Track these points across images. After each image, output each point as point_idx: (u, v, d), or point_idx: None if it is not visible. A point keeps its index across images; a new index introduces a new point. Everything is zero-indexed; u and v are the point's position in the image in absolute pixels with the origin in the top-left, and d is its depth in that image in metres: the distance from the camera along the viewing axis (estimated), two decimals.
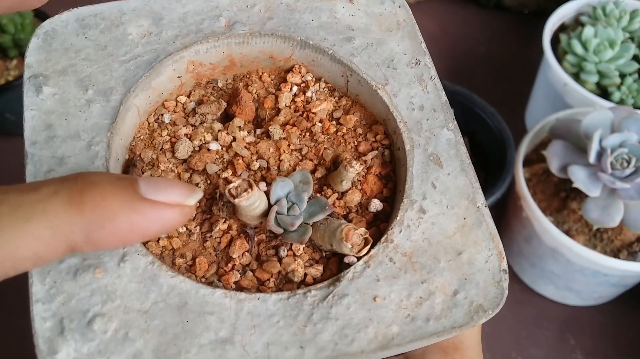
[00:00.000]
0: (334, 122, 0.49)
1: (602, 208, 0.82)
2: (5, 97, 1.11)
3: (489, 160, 1.10)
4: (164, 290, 0.39)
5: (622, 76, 1.03)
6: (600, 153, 0.82)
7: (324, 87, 0.50)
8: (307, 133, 0.48)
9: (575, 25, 1.15)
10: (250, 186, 0.40)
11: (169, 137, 0.47)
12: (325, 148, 0.47)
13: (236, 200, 0.39)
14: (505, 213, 1.07)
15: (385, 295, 0.40)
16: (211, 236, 0.44)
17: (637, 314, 1.03)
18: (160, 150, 0.47)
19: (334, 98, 0.50)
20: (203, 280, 0.42)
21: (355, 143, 0.48)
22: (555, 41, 1.12)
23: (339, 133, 0.48)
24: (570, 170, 0.82)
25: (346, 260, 0.42)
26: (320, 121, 0.48)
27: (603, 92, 1.05)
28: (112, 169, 0.43)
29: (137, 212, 0.33)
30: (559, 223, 0.90)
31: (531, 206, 0.89)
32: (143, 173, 0.45)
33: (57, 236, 0.32)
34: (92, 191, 0.32)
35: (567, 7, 1.14)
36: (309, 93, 0.49)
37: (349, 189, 0.46)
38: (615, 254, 0.89)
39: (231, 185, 0.39)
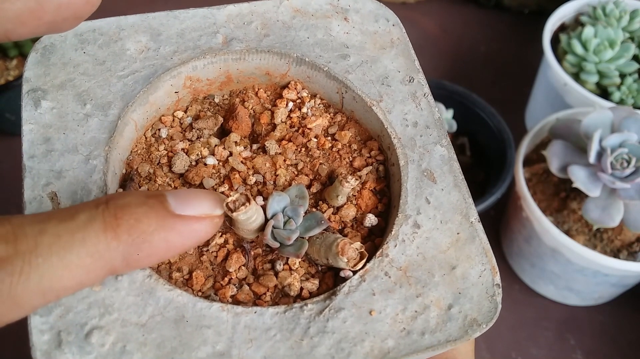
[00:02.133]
0: (329, 138, 0.49)
1: (602, 208, 0.82)
2: (6, 96, 1.10)
3: (489, 160, 1.09)
4: (161, 304, 0.39)
5: (622, 76, 1.03)
6: (600, 153, 0.81)
7: (319, 104, 0.51)
8: (303, 149, 0.49)
9: (575, 25, 1.14)
10: (248, 200, 0.40)
11: (166, 152, 0.48)
12: (320, 164, 0.48)
13: (234, 214, 0.40)
14: (505, 213, 1.07)
15: (381, 309, 0.40)
16: (207, 250, 0.44)
17: (637, 314, 1.03)
18: (158, 164, 0.47)
19: (329, 114, 0.51)
20: (200, 293, 0.42)
21: (350, 158, 0.49)
22: (555, 41, 1.12)
23: (334, 149, 0.49)
24: (570, 170, 0.82)
25: (342, 274, 0.42)
26: (316, 137, 0.49)
27: (603, 92, 1.05)
28: (110, 183, 0.44)
29: (171, 230, 0.34)
30: (559, 223, 0.90)
31: (531, 206, 0.89)
32: (140, 187, 0.46)
33: (98, 263, 0.33)
34: (125, 215, 0.33)
35: (567, 7, 1.14)
36: (304, 109, 0.50)
37: (344, 204, 0.46)
38: (615, 254, 0.89)
39: (229, 199, 0.40)
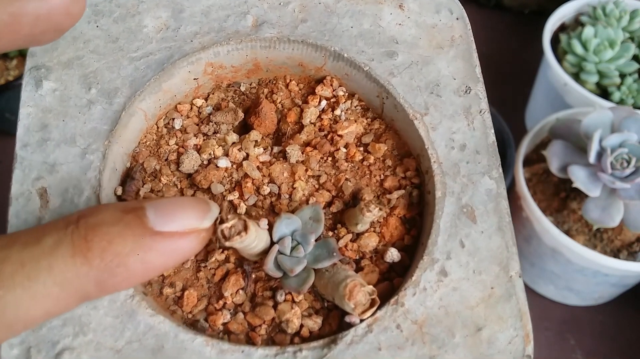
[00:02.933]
0: (361, 149, 0.43)
1: (602, 208, 0.82)
2: (5, 96, 1.10)
3: None
4: (140, 329, 0.35)
5: (622, 76, 1.03)
6: (600, 153, 0.81)
7: (357, 106, 0.44)
8: (329, 159, 0.42)
9: (575, 25, 1.14)
10: (246, 228, 0.35)
11: (177, 147, 0.43)
12: (346, 179, 0.42)
13: (227, 243, 0.35)
14: None
15: None
16: (206, 266, 0.40)
17: (637, 314, 1.04)
18: (165, 160, 0.42)
19: (366, 119, 0.44)
20: (189, 316, 0.38)
21: (382, 177, 0.42)
22: (555, 41, 1.11)
23: (364, 163, 0.42)
24: (570, 170, 0.82)
25: (347, 319, 0.37)
26: (346, 146, 0.43)
27: (603, 92, 1.05)
28: (107, 180, 0.39)
29: (149, 250, 0.30)
30: (558, 223, 0.90)
31: (531, 206, 0.89)
32: (144, 184, 0.41)
33: (67, 292, 0.30)
34: (97, 236, 0.29)
35: (567, 7, 1.13)
36: (337, 111, 0.44)
37: (366, 231, 0.40)
38: (615, 254, 0.89)
39: (224, 225, 0.35)
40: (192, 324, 0.38)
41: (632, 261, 0.87)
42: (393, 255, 0.39)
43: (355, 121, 0.43)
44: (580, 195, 0.89)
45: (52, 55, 0.42)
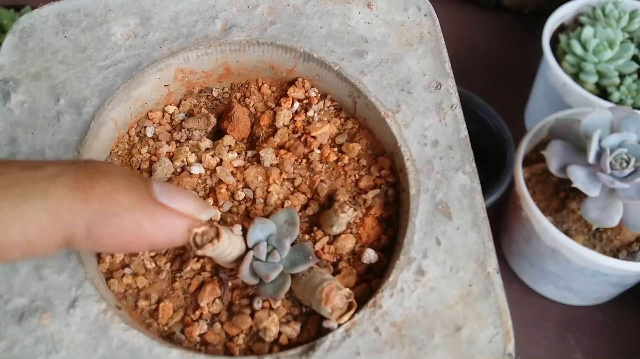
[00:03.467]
0: (336, 149, 0.42)
1: (601, 208, 0.81)
2: None
3: (489, 160, 1.09)
4: (114, 345, 0.35)
5: (622, 76, 1.02)
6: (600, 153, 0.80)
7: (330, 106, 0.44)
8: (303, 161, 0.42)
9: (574, 25, 1.13)
10: (218, 235, 0.34)
11: (149, 155, 0.42)
12: (321, 181, 0.41)
13: (199, 251, 0.34)
14: (504, 214, 1.06)
15: None
16: (181, 276, 0.39)
17: (636, 314, 1.03)
18: (138, 169, 0.42)
19: (340, 119, 0.43)
20: (165, 328, 0.38)
21: (357, 176, 0.41)
22: (554, 41, 1.10)
23: (339, 163, 0.42)
24: (570, 170, 0.81)
25: (325, 324, 0.36)
26: (320, 147, 0.42)
27: (602, 92, 1.03)
28: None
29: (147, 214, 0.29)
30: (558, 223, 0.89)
31: (530, 206, 0.88)
32: None
33: (55, 223, 0.27)
34: (103, 179, 0.28)
35: (567, 7, 1.12)
36: (310, 113, 0.43)
37: (342, 232, 0.40)
38: (615, 254, 0.88)
39: (195, 230, 0.34)
40: (168, 337, 0.37)
41: (631, 261, 0.86)
42: (370, 256, 0.39)
43: (329, 122, 0.43)
44: (579, 195, 0.88)
45: (20, 67, 0.41)
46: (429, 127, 0.40)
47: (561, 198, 0.91)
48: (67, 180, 0.27)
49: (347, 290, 0.36)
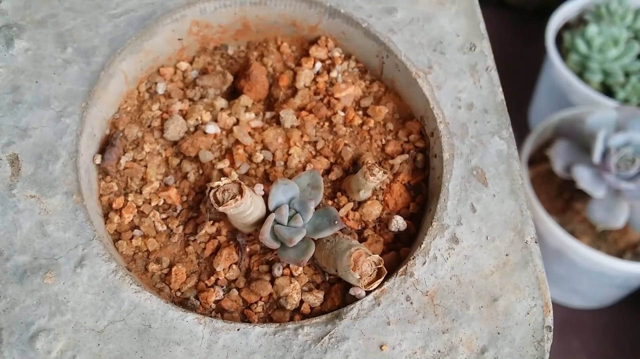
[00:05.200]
0: (360, 113, 0.40)
1: (606, 209, 0.81)
2: None
3: None
4: (124, 307, 0.32)
5: (627, 75, 1.01)
6: (605, 153, 0.80)
7: (354, 67, 0.41)
8: (326, 123, 0.39)
9: (579, 23, 1.12)
10: (241, 192, 0.32)
11: (160, 112, 0.39)
12: (345, 144, 0.39)
13: (221, 208, 0.31)
14: None
15: (395, 344, 0.32)
16: (195, 239, 0.36)
17: None
18: (148, 127, 0.39)
19: (365, 82, 0.41)
20: (178, 294, 0.35)
21: (383, 141, 0.39)
22: (558, 40, 1.09)
23: (364, 127, 0.39)
24: (575, 170, 0.81)
25: (352, 291, 0.34)
26: (344, 109, 0.40)
27: (607, 90, 1.03)
28: (85, 146, 0.36)
29: None
30: (563, 224, 0.88)
31: (535, 207, 0.87)
32: (125, 153, 0.38)
33: None
34: None
35: (571, 5, 1.11)
36: (334, 73, 0.41)
37: (368, 199, 0.37)
38: (620, 255, 0.87)
39: (215, 184, 0.31)
40: (182, 303, 0.35)
41: (636, 262, 0.86)
42: (398, 223, 0.36)
43: (353, 83, 0.40)
44: (584, 196, 0.87)
45: (25, 13, 0.38)
46: (463, 89, 0.38)
47: (566, 199, 0.90)
48: None
49: (377, 256, 0.33)
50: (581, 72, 1.03)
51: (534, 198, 0.87)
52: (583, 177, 0.80)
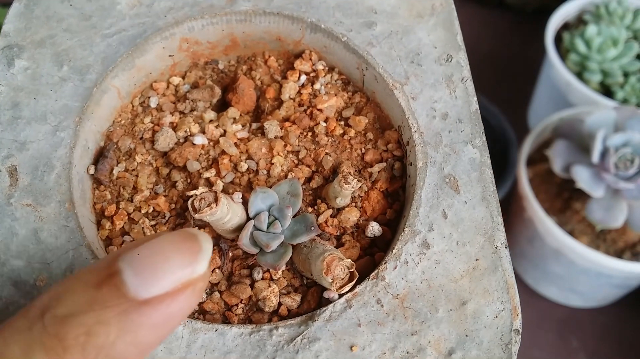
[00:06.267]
0: (342, 123, 0.41)
1: (605, 209, 0.81)
2: None
3: (492, 159, 1.05)
4: None
5: (626, 75, 1.01)
6: (604, 153, 0.80)
7: (337, 79, 0.43)
8: (309, 133, 0.41)
9: (578, 23, 1.12)
10: (216, 200, 0.33)
11: (152, 125, 0.42)
12: (326, 154, 0.40)
13: (197, 215, 0.33)
14: (507, 214, 1.04)
15: (365, 345, 0.33)
16: None
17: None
18: (140, 139, 0.41)
19: (347, 92, 0.43)
20: None
21: (363, 150, 0.40)
22: (558, 40, 1.10)
23: (345, 136, 0.41)
24: (574, 170, 0.81)
25: (326, 294, 0.35)
26: (326, 120, 0.41)
27: (606, 90, 1.03)
28: (79, 158, 0.38)
29: (138, 328, 0.24)
30: (562, 224, 0.89)
31: (534, 207, 0.88)
32: (118, 163, 0.40)
33: None
34: (70, 332, 0.23)
35: (570, 5, 1.11)
36: (317, 85, 0.42)
37: (347, 206, 0.39)
38: (619, 255, 0.88)
39: (192, 192, 0.33)
40: None
41: (635, 262, 0.86)
42: (374, 229, 0.38)
43: (336, 95, 0.42)
44: (583, 196, 0.88)
45: (25, 34, 0.41)
46: (439, 99, 0.39)
47: (565, 199, 0.91)
48: (37, 356, 0.23)
49: (349, 260, 0.34)
50: (580, 72, 1.03)
51: (532, 198, 0.88)
52: (582, 177, 0.80)
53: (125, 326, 0.24)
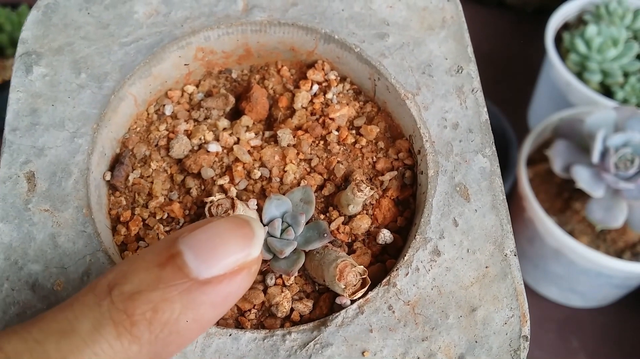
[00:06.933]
0: (354, 132, 0.42)
1: (605, 209, 0.81)
2: (3, 96, 1.07)
3: None
4: None
5: (626, 75, 1.02)
6: (604, 153, 0.80)
7: (349, 89, 0.44)
8: (321, 142, 0.42)
9: (578, 23, 1.13)
10: (233, 206, 0.34)
11: (167, 132, 0.42)
12: (338, 162, 0.41)
13: None
14: None
15: (376, 350, 0.34)
16: None
17: None
18: (155, 146, 0.42)
19: (359, 102, 0.43)
20: None
21: (374, 159, 0.41)
22: (558, 40, 1.10)
23: (357, 145, 0.42)
24: (574, 170, 0.81)
25: (338, 300, 0.36)
26: (338, 129, 0.42)
27: (606, 90, 1.04)
28: (96, 164, 0.39)
29: (200, 305, 0.26)
30: (562, 224, 0.89)
31: (534, 207, 0.88)
32: (133, 170, 0.41)
33: None
34: (138, 308, 0.25)
35: (570, 5, 1.12)
36: (329, 95, 0.43)
37: (358, 213, 0.39)
38: (619, 255, 0.88)
39: (210, 199, 0.34)
40: None
41: (635, 262, 0.86)
42: (385, 236, 0.38)
43: (347, 104, 0.43)
44: (583, 196, 0.88)
45: (43, 42, 0.42)
46: (450, 109, 0.40)
47: (565, 199, 0.91)
48: (108, 332, 0.25)
49: (362, 267, 0.35)
50: (580, 72, 1.04)
51: (532, 198, 0.88)
52: (582, 177, 0.81)
53: (188, 304, 0.26)
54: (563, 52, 1.07)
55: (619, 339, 1.01)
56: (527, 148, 0.93)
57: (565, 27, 1.13)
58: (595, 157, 0.80)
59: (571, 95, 1.03)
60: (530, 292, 1.04)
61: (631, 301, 1.02)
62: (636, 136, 0.80)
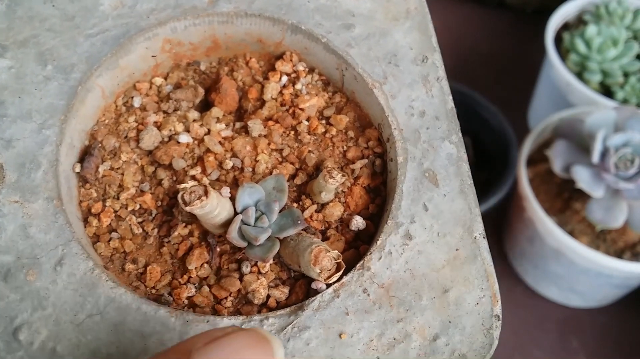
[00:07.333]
0: (324, 122, 0.43)
1: (605, 209, 0.81)
2: None
3: (492, 160, 1.07)
4: (101, 302, 0.34)
5: (626, 75, 1.02)
6: (604, 153, 0.80)
7: (317, 80, 0.44)
8: (291, 132, 0.42)
9: (578, 23, 1.13)
10: (206, 193, 0.34)
11: (136, 124, 0.42)
12: (309, 151, 0.41)
13: (188, 208, 0.34)
14: (507, 214, 1.05)
15: (353, 332, 0.35)
16: (169, 241, 0.39)
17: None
18: (125, 138, 0.42)
19: (327, 93, 0.44)
20: (153, 291, 0.37)
21: (344, 148, 0.42)
22: (558, 40, 1.10)
23: (327, 135, 0.42)
24: (574, 170, 0.81)
25: (314, 285, 0.36)
26: (308, 119, 0.43)
27: (606, 91, 1.04)
28: (65, 155, 0.39)
29: None
30: (562, 224, 0.89)
31: (534, 207, 0.88)
32: (103, 162, 0.41)
33: None
34: None
35: (570, 5, 1.12)
36: (298, 86, 0.44)
37: (331, 201, 0.40)
38: (619, 255, 0.88)
39: (182, 186, 0.34)
40: (156, 299, 0.37)
41: (635, 262, 0.86)
42: (358, 222, 0.39)
43: (317, 95, 0.44)
44: (583, 196, 0.88)
45: (8, 34, 0.41)
46: (416, 98, 0.41)
47: (565, 199, 0.91)
48: None
49: (336, 251, 0.36)
50: (580, 72, 1.03)
51: (532, 198, 0.88)
52: (582, 177, 0.80)
53: None
54: (563, 52, 1.07)
55: (619, 339, 1.01)
56: (527, 148, 0.93)
57: (565, 27, 1.13)
58: (595, 157, 0.79)
59: (571, 95, 1.03)
60: (530, 292, 1.04)
61: (631, 301, 1.02)
62: (636, 136, 0.80)
